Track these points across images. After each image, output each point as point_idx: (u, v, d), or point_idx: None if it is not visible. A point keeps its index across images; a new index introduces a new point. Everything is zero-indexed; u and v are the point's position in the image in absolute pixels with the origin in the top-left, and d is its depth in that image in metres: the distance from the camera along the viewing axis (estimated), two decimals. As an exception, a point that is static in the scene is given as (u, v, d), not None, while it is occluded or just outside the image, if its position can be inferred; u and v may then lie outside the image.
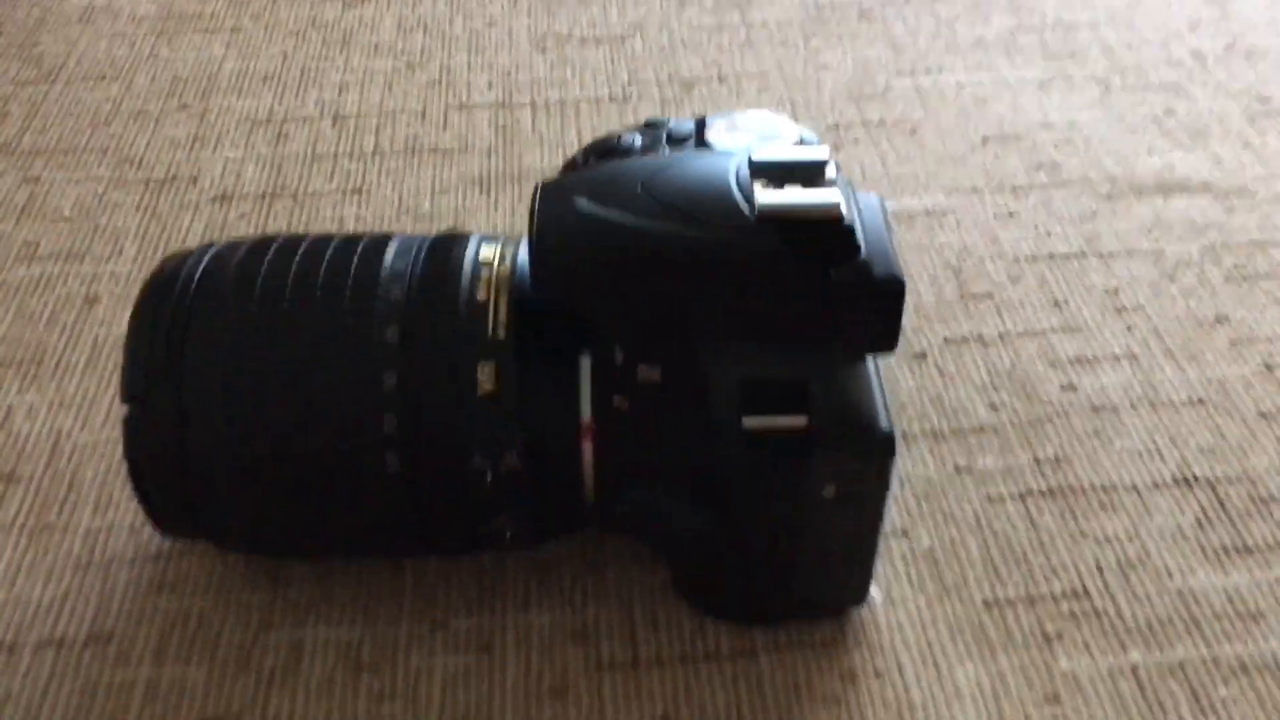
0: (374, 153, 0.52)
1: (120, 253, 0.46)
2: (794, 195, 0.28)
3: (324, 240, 0.32)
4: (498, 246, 0.32)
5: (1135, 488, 0.37)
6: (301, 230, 0.47)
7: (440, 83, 0.56)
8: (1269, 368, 0.41)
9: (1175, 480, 0.37)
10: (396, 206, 0.49)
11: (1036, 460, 0.38)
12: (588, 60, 0.57)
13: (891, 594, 0.34)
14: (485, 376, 0.29)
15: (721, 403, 0.28)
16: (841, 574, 0.32)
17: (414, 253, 0.31)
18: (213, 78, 0.56)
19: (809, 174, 0.29)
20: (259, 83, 0.56)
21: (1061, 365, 0.41)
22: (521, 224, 0.48)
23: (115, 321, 0.43)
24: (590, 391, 0.30)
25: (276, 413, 0.29)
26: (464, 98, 0.55)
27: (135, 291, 0.45)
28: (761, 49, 0.58)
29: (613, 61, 0.57)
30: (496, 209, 0.48)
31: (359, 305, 0.30)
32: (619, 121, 0.53)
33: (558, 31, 0.59)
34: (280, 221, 0.48)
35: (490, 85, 0.56)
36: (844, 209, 0.28)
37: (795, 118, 0.53)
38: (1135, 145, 0.51)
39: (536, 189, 0.31)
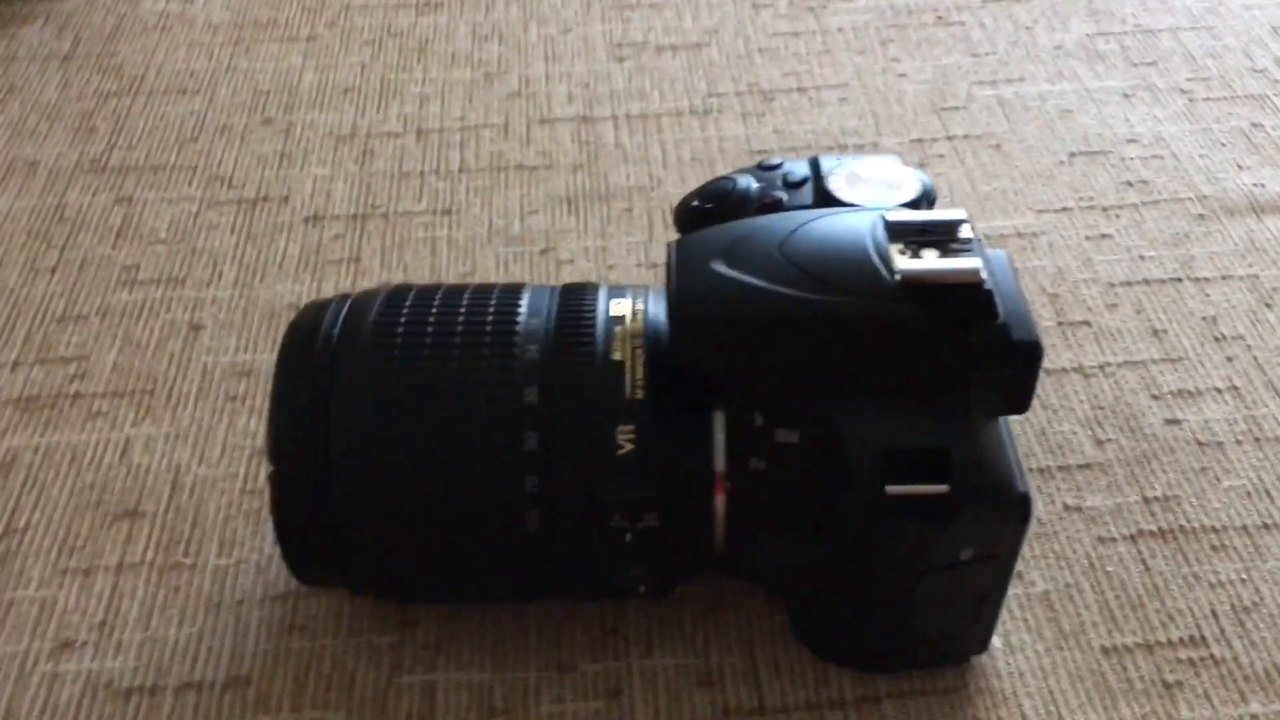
0: (460, 170, 0.52)
1: (220, 277, 0.47)
2: (934, 262, 0.29)
3: (458, 291, 0.33)
4: (629, 301, 0.32)
5: (1246, 529, 0.37)
6: (396, 255, 0.48)
7: (520, 94, 0.56)
8: (1372, 401, 0.41)
9: (1285, 520, 0.37)
10: (488, 228, 0.49)
11: (1145, 499, 0.38)
12: (665, 69, 0.57)
13: (1010, 640, 0.34)
14: (625, 438, 0.30)
15: (864, 470, 0.28)
16: (969, 626, 0.32)
17: (547, 307, 0.32)
18: (293, 90, 0.56)
19: (945, 233, 0.30)
20: (340, 95, 0.56)
21: (1164, 398, 0.41)
22: (613, 246, 0.48)
23: (221, 350, 0.44)
24: (724, 446, 0.30)
25: (418, 471, 0.30)
26: (545, 110, 0.55)
27: (238, 318, 0.45)
28: (839, 56, 0.58)
29: (690, 70, 0.57)
30: (586, 231, 0.49)
31: (498, 364, 0.30)
32: (700, 136, 0.53)
33: (633, 39, 0.59)
34: (374, 243, 0.48)
35: (570, 98, 0.56)
36: (984, 274, 0.28)
37: (878, 131, 0.53)
38: (1224, 161, 0.51)
39: (671, 250, 0.31)
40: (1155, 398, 0.41)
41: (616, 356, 0.30)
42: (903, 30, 0.59)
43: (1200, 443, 0.40)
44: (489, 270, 0.47)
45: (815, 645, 0.34)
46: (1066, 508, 0.38)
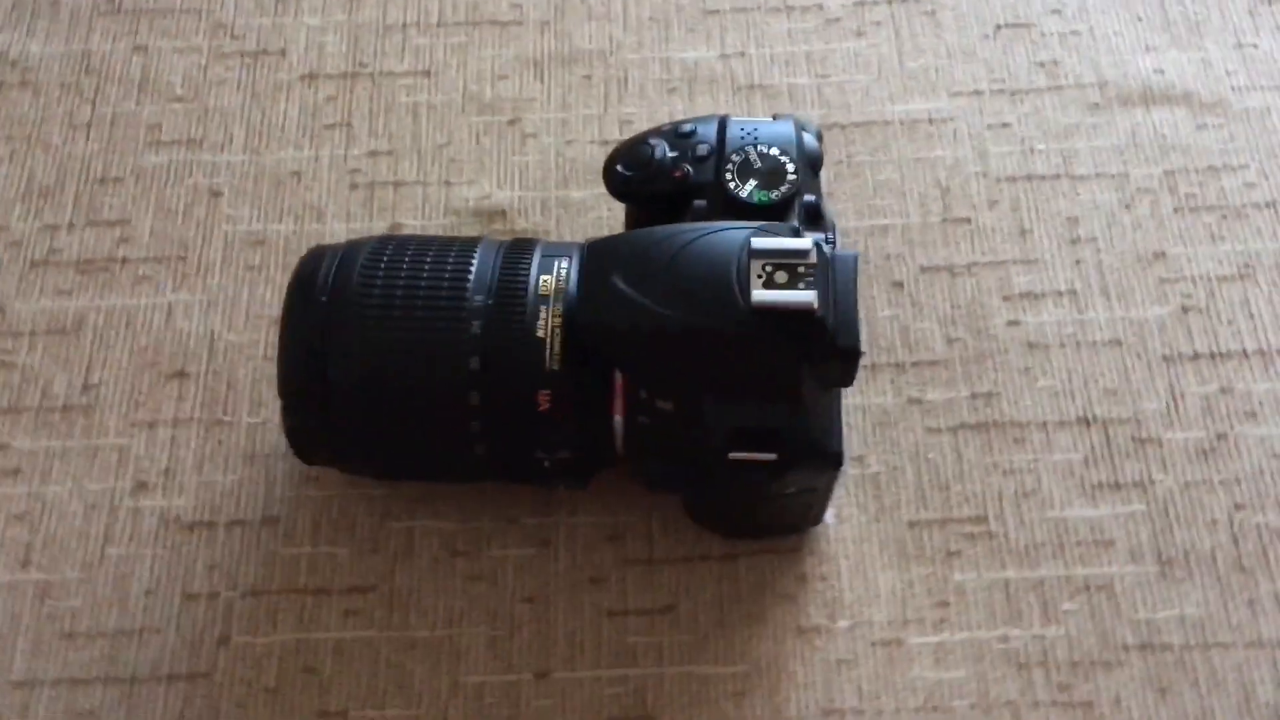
0: (439, 24, 0.57)
1: (231, 141, 0.54)
2: (778, 294, 0.37)
3: (425, 250, 0.41)
4: (552, 277, 0.41)
5: (1045, 425, 0.47)
6: (382, 122, 0.54)
7: (496, -69, 0.59)
8: (1185, 310, 0.49)
9: (1078, 419, 0.47)
10: (462, 94, 0.55)
11: (973, 395, 0.48)
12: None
13: (841, 513, 0.46)
14: (545, 399, 0.40)
15: (715, 441, 0.38)
16: (802, 519, 0.44)
17: (490, 279, 0.40)
18: (284, -82, 0.60)
19: (796, 259, 0.38)
20: (327, -73, 0.60)
21: (1013, 299, 0.50)
22: (572, 119, 0.54)
23: (238, 218, 0.53)
24: (620, 405, 0.40)
25: (392, 405, 0.40)
26: (518, -48, 0.59)
27: (250, 185, 0.53)
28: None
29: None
30: (550, 101, 0.55)
31: (450, 335, 0.40)
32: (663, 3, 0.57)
33: None
34: (363, 107, 0.55)
35: (543, -62, 0.59)
36: (817, 303, 0.37)
37: (826, -9, 0.57)
38: (1134, 41, 0.55)
39: (584, 250, 0.39)
40: (1006, 299, 0.50)
41: (540, 334, 0.40)
42: None
43: (1030, 344, 0.49)
44: (463, 146, 0.54)
45: (695, 519, 0.45)
46: (910, 400, 0.48)
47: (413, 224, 0.52)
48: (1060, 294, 0.50)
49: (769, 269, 0.38)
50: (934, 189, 0.52)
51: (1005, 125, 0.54)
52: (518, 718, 0.43)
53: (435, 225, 0.52)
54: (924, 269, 0.51)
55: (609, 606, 0.45)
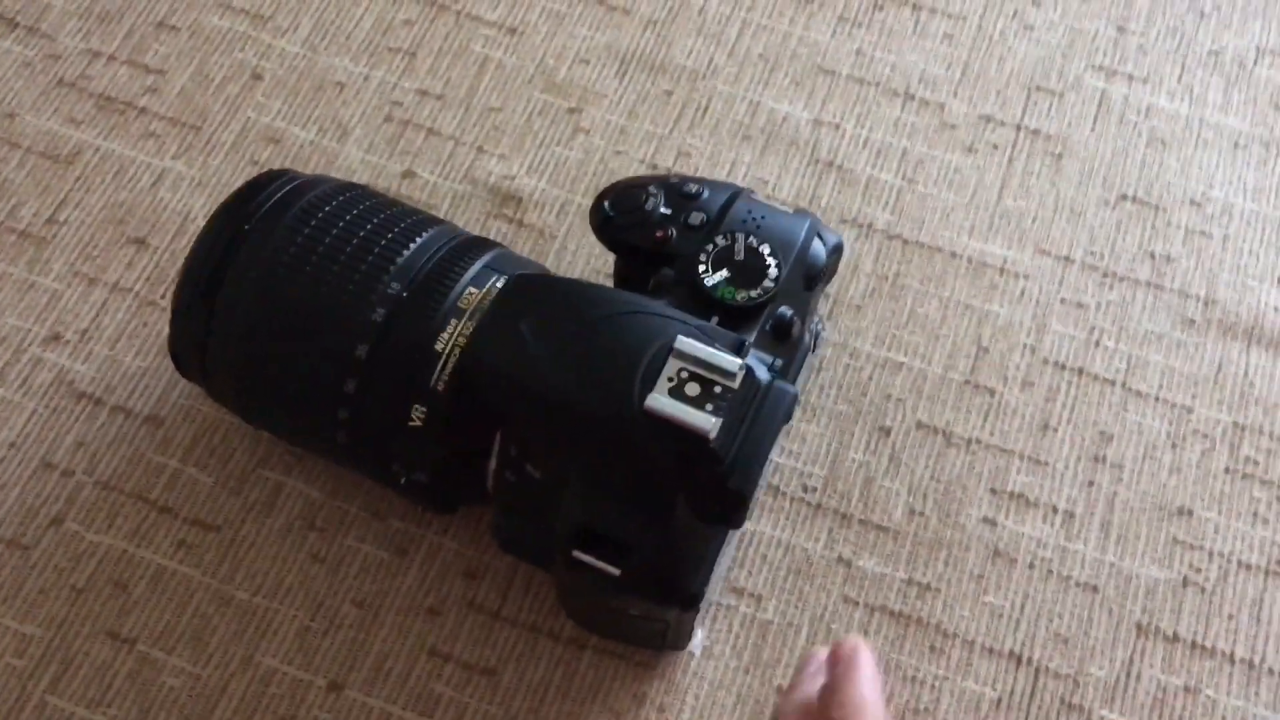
0: (545, -17, 0.53)
1: (295, 29, 0.52)
2: (673, 406, 0.32)
3: (373, 212, 0.38)
4: (483, 290, 0.37)
5: (972, 644, 0.41)
6: (446, 64, 0.51)
7: (647, -89, 0.55)
8: (1186, 583, 0.43)
9: (1011, 654, 0.41)
10: (537, 64, 0.52)
11: (910, 581, 0.42)
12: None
13: (713, 648, 0.41)
14: (418, 416, 0.36)
15: (565, 532, 0.34)
16: (652, 641, 0.39)
17: (419, 267, 0.37)
18: None
19: (718, 375, 0.33)
20: None
21: (1002, 496, 0.44)
22: (631, 131, 0.50)
23: (266, 108, 0.50)
24: (498, 450, 0.36)
25: (267, 350, 0.37)
26: (660, -60, 0.55)
27: (292, 80, 0.51)
28: (982, -22, 0.54)
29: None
30: (618, 104, 0.51)
31: (350, 312, 0.36)
32: (784, 30, 0.52)
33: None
34: (434, 43, 0.52)
35: (690, -65, 0.55)
36: (715, 433, 0.32)
37: (954, 92, 0.51)
38: (1267, 266, 0.48)
39: (510, 283, 0.35)
40: (993, 492, 0.44)
41: (438, 347, 0.36)
42: (1068, -33, 0.54)
43: (996, 551, 0.43)
44: (513, 117, 0.50)
45: (557, 592, 0.41)
46: (839, 559, 0.43)
47: (426, 177, 0.49)
48: (1055, 511, 0.44)
49: (683, 375, 0.33)
50: (971, 345, 0.46)
51: (1080, 305, 0.47)
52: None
53: (445, 187, 0.49)
54: (920, 425, 0.45)
55: (434, 644, 0.41)
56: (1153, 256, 0.48)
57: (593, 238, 0.48)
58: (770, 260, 0.37)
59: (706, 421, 0.32)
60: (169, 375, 0.45)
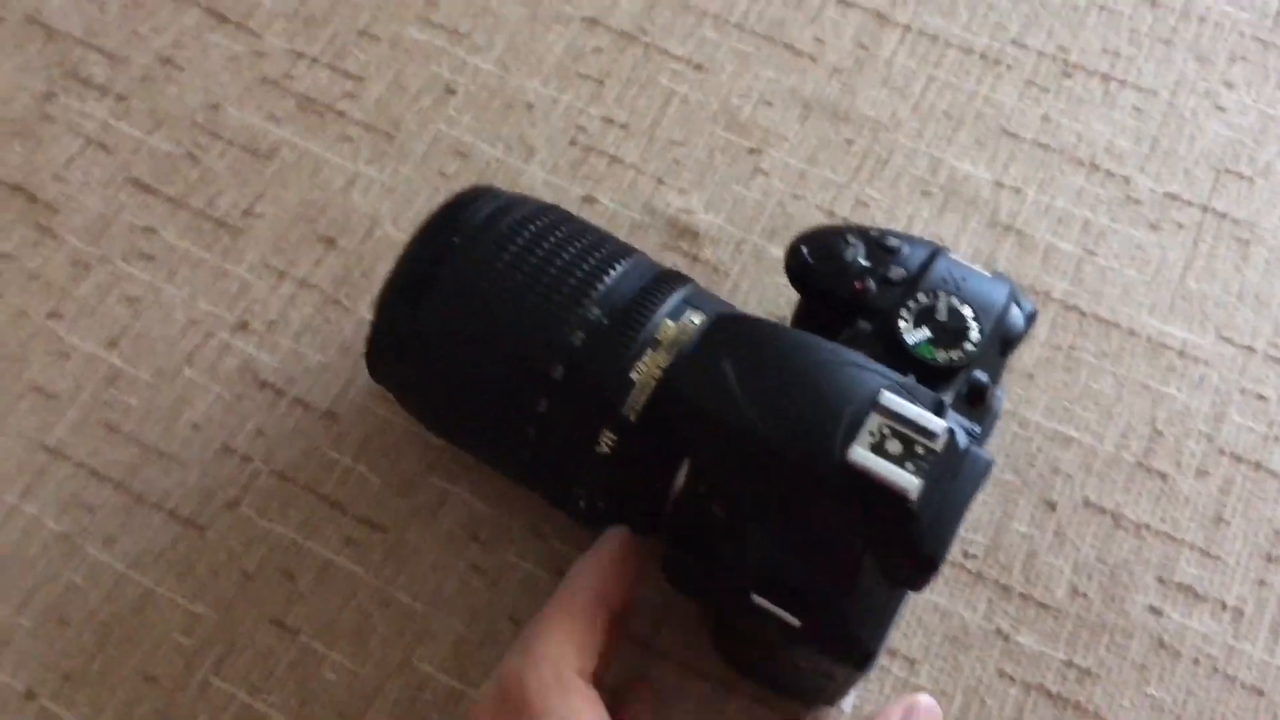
0: (736, 24, 0.54)
1: (490, 47, 0.53)
2: (878, 464, 0.32)
3: (578, 235, 0.39)
4: (679, 323, 0.37)
5: (1128, 735, 0.41)
6: (632, 95, 0.52)
7: (842, -40, 0.56)
8: (1358, 695, 0.41)
9: (1169, 748, 0.40)
10: (721, 103, 0.52)
11: (1070, 663, 0.42)
12: (996, -9, 0.55)
13: (862, 710, 0.41)
14: (607, 443, 0.37)
15: (746, 573, 0.34)
16: (811, 694, 0.39)
17: (618, 297, 0.37)
18: None
19: (920, 435, 0.33)
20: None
21: (1169, 586, 0.43)
22: (810, 177, 0.50)
23: (459, 123, 0.52)
24: (679, 487, 0.36)
25: (464, 361, 0.38)
26: (852, -10, 0.55)
27: (483, 97, 0.52)
28: (1175, 52, 0.53)
29: (1016, 3, 0.54)
30: (799, 148, 0.51)
31: (548, 334, 0.37)
32: (971, 89, 0.52)
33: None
34: (622, 73, 0.53)
35: (883, -13, 0.55)
36: (916, 494, 0.32)
37: (1141, 167, 0.51)
38: None
39: (715, 320, 0.36)
40: (1160, 581, 0.43)
41: (633, 376, 0.36)
42: (1267, 47, 0.53)
43: (1161, 643, 0.42)
44: (695, 151, 0.51)
45: (712, 633, 0.41)
46: (998, 632, 0.42)
47: (606, 204, 0.50)
48: (1224, 607, 0.43)
49: (885, 431, 0.33)
50: (1145, 426, 0.46)
51: (1262, 398, 0.46)
52: (442, 727, 0.40)
53: (624, 215, 0.50)
54: (1088, 504, 0.44)
55: (585, 669, 0.41)
56: (1340, 354, 0.47)
57: (766, 277, 0.49)
58: (973, 323, 0.37)
59: (909, 481, 0.32)
60: (347, 373, 0.46)
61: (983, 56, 0.53)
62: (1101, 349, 0.47)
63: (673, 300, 0.38)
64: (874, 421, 0.33)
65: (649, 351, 0.37)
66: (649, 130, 0.52)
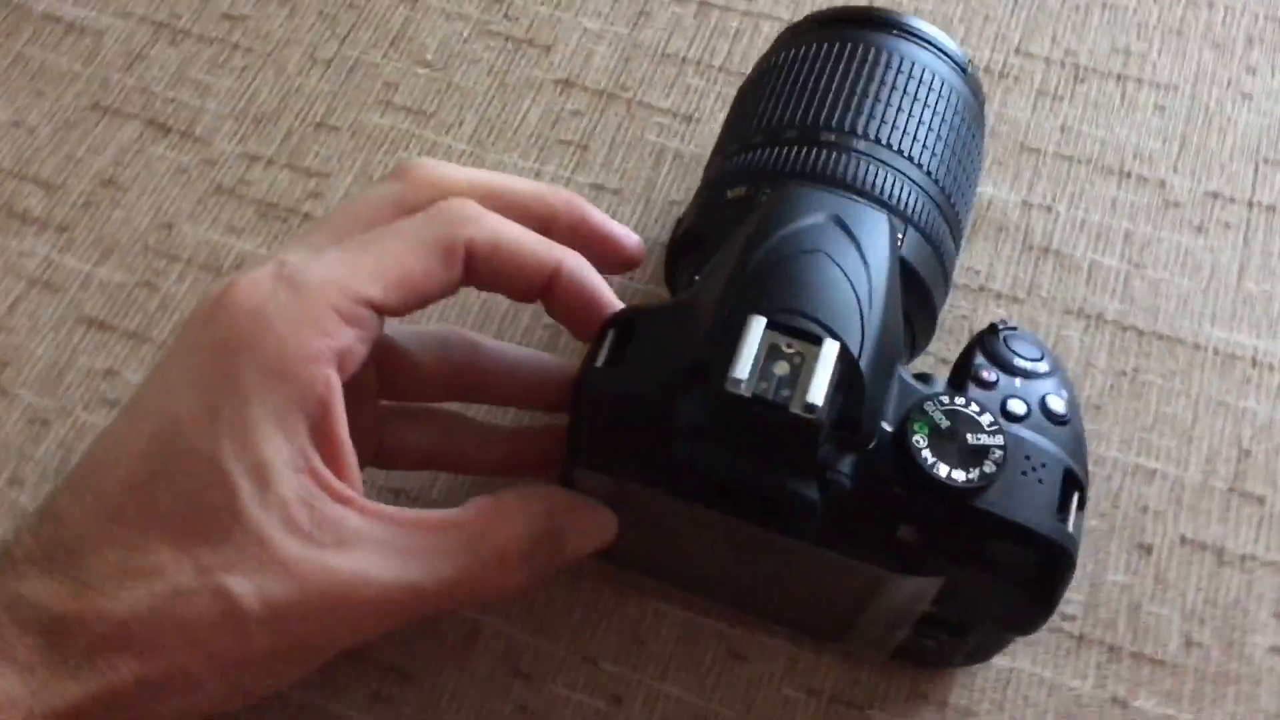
0: (720, 68, 0.50)
1: (460, 125, 0.49)
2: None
3: None
4: None
5: (1279, 800, 0.36)
6: (621, 156, 0.48)
7: (820, -12, 0.52)
8: None
9: (1326, 810, 0.36)
10: (703, 161, 0.48)
11: (1197, 724, 0.37)
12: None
13: (978, 809, 0.36)
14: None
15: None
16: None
17: None
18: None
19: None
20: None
21: (1289, 621, 0.39)
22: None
23: (434, 210, 0.47)
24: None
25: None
26: (836, 17, 0.51)
27: (460, 179, 0.48)
28: (1189, 44, 0.50)
29: (1013, 7, 0.51)
30: (810, 192, 0.47)
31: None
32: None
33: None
34: (607, 133, 0.49)
35: (869, 9, 0.51)
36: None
37: (1174, 167, 0.47)
38: None
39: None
40: (1278, 616, 0.39)
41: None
42: (1282, 30, 0.50)
43: (1294, 688, 0.38)
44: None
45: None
46: (1114, 700, 0.38)
47: (610, 278, 0.45)
48: (1354, 637, 0.38)
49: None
50: (1231, 447, 0.42)
51: (1349, 400, 0.42)
52: None
53: (632, 288, 0.45)
54: (1185, 541, 0.40)
55: (661, 806, 0.37)
56: None
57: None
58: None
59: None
60: (350, 503, 0.41)
61: (987, 70, 0.49)
62: (1168, 368, 0.43)
63: None
64: None
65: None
66: (643, 193, 0.48)
